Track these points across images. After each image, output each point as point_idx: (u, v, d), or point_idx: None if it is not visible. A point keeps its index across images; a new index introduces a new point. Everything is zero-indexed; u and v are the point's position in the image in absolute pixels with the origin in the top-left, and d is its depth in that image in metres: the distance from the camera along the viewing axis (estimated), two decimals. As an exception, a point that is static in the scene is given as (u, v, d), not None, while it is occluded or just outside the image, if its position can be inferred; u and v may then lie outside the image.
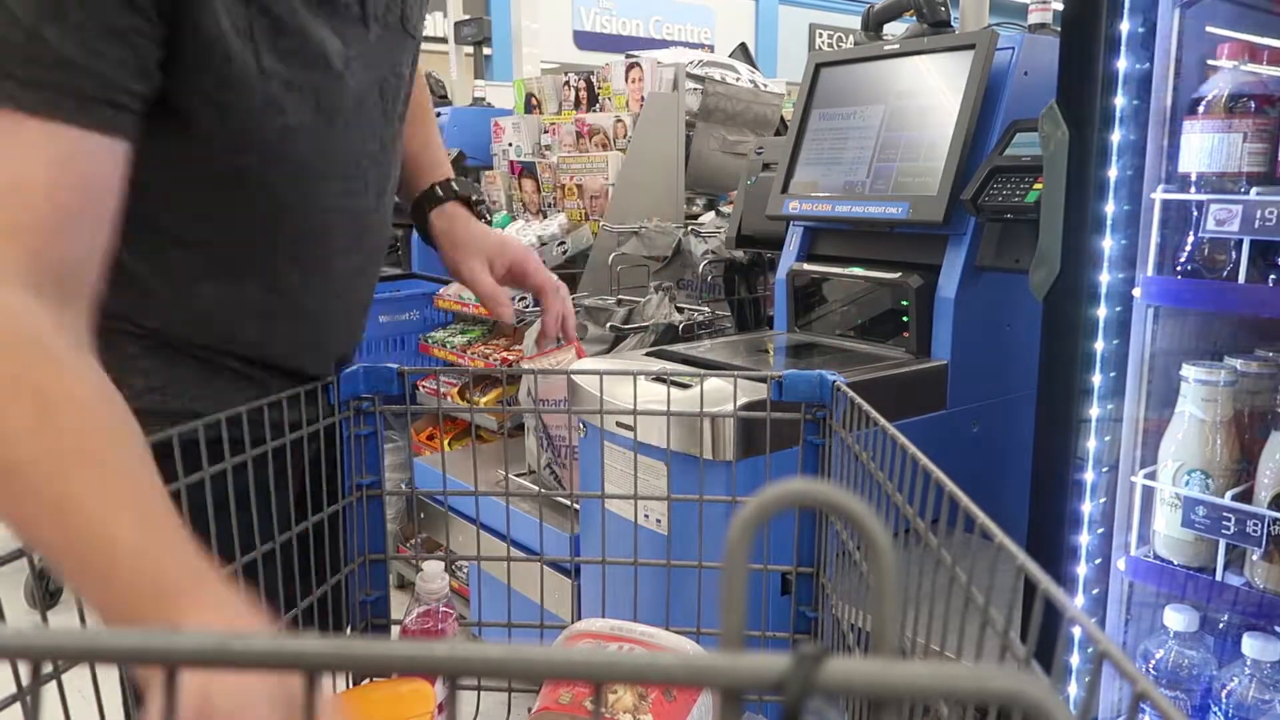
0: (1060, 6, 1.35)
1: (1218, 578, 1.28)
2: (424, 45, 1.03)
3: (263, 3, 0.77)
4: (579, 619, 1.06)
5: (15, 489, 0.60)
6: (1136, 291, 1.32)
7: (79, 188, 0.69)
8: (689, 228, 2.61)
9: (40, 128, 0.66)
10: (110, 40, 0.68)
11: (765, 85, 3.10)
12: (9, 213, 0.66)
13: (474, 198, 1.17)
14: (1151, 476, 1.35)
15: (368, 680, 1.01)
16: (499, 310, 1.11)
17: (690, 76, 2.89)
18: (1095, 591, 1.40)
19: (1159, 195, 1.30)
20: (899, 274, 1.83)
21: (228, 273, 0.89)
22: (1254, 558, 1.25)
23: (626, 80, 2.94)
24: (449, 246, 1.13)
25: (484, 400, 2.79)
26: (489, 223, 1.14)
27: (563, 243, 2.77)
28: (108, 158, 0.71)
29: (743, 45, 3.45)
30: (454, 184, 1.16)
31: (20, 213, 0.66)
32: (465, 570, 2.55)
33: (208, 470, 0.84)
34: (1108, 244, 1.29)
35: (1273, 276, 1.24)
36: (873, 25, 2.16)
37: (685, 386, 1.45)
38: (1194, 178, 1.27)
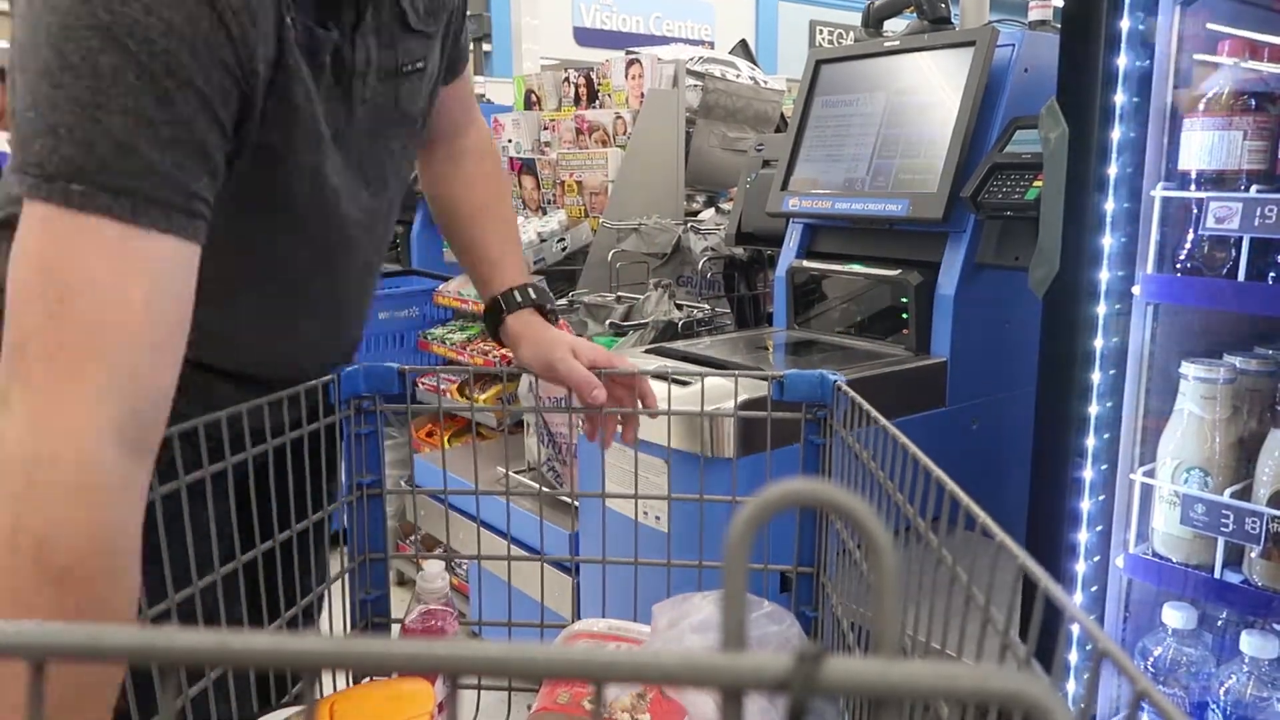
0: (1060, 3, 1.35)
1: (1216, 575, 1.28)
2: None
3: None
4: (579, 618, 1.06)
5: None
6: (1136, 289, 1.32)
7: (175, 298, 0.69)
8: (689, 224, 2.61)
9: (137, 236, 0.66)
10: (196, 154, 0.69)
11: (765, 82, 3.10)
12: (105, 332, 0.64)
13: (549, 306, 1.16)
14: (1150, 474, 1.35)
15: (367, 679, 1.01)
16: (595, 394, 1.06)
17: (690, 73, 2.89)
18: (1094, 589, 1.40)
19: (1159, 193, 1.30)
20: (899, 271, 1.82)
21: (258, 290, 0.92)
22: (1252, 555, 1.25)
23: (626, 77, 2.94)
24: (529, 345, 1.12)
25: (484, 397, 2.79)
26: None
27: (562, 239, 2.77)
28: (190, 267, 0.70)
29: (743, 42, 3.44)
30: (531, 290, 1.15)
31: (117, 332, 0.65)
32: (465, 568, 2.55)
33: (208, 469, 0.84)
34: (1107, 241, 1.29)
35: (1272, 274, 1.24)
36: (873, 22, 2.16)
37: (685, 384, 1.45)
38: (1194, 175, 1.26)
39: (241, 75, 0.72)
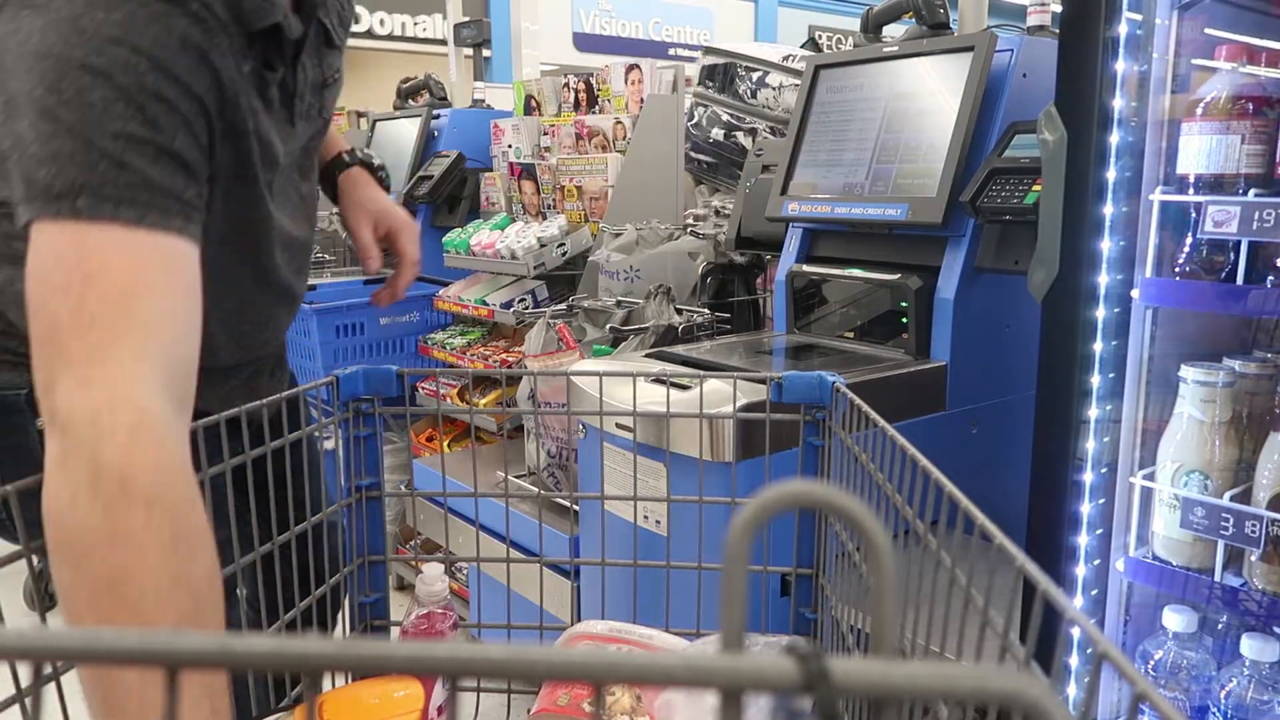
0: (1059, 8, 1.35)
1: (1216, 578, 1.28)
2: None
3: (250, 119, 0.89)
4: (578, 620, 1.06)
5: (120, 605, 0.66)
6: (1135, 293, 1.32)
7: (187, 281, 0.78)
8: (688, 229, 2.61)
9: (142, 234, 0.74)
10: (182, 168, 0.79)
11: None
12: (131, 302, 0.72)
13: (375, 163, 1.34)
14: (1150, 477, 1.35)
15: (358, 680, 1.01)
16: (368, 263, 1.25)
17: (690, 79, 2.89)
18: (1094, 592, 1.40)
19: (1157, 197, 1.30)
20: (898, 275, 1.83)
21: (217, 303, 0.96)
22: (1252, 558, 1.25)
23: (626, 82, 2.94)
24: (346, 203, 1.29)
25: (483, 402, 2.79)
26: (387, 189, 1.36)
27: (562, 244, 2.77)
28: (193, 260, 0.79)
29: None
30: (358, 152, 1.32)
31: (141, 301, 0.73)
32: (465, 572, 2.55)
33: (207, 471, 0.84)
34: (1106, 245, 1.29)
35: (1270, 278, 1.24)
36: (872, 27, 2.16)
37: (685, 388, 1.45)
38: (1192, 179, 1.27)
39: (209, 104, 0.82)
